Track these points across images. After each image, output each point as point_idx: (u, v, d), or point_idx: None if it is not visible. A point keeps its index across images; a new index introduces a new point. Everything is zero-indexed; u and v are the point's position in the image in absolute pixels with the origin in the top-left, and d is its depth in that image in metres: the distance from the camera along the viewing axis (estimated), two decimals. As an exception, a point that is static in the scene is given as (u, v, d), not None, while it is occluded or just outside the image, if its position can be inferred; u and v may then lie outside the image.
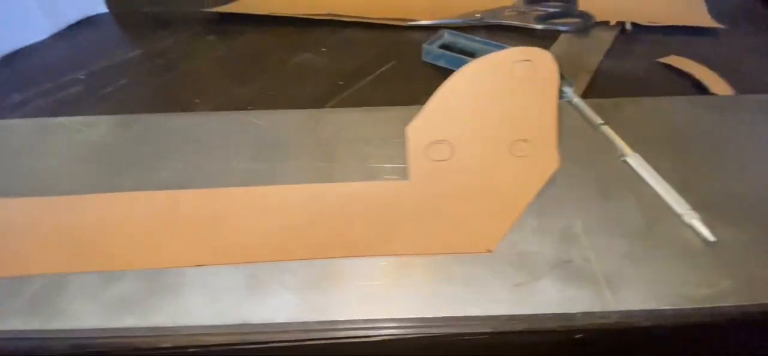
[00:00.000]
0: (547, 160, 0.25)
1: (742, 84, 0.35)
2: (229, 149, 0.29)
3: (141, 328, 0.20)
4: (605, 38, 0.39)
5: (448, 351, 0.21)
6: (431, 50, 0.37)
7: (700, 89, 0.35)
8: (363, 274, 0.22)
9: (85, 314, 0.21)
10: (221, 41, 0.42)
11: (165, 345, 0.20)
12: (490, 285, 0.21)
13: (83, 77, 0.38)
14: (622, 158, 0.27)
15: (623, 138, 0.28)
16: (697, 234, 0.23)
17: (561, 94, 0.32)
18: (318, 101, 0.34)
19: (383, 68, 0.38)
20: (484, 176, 0.25)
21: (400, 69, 0.38)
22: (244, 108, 0.33)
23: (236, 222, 0.23)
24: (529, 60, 0.24)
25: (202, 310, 0.21)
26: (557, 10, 0.43)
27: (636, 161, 0.26)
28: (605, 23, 0.41)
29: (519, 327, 0.20)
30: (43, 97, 0.35)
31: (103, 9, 0.46)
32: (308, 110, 0.32)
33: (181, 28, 0.44)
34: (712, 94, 0.34)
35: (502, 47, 0.37)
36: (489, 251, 0.22)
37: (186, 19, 0.45)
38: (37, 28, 0.42)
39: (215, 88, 0.36)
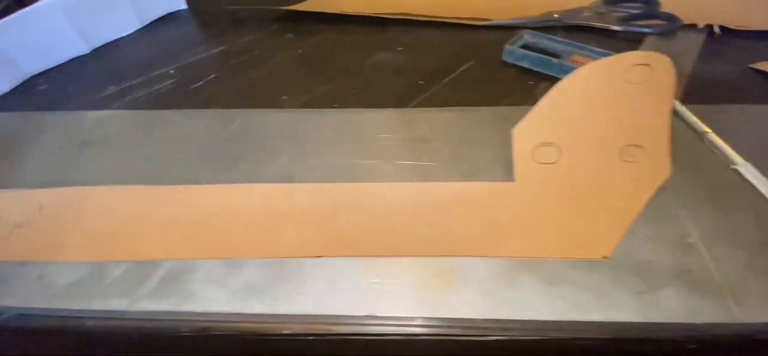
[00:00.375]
0: (659, 167, 0.24)
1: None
2: (327, 146, 0.29)
3: (269, 315, 0.21)
4: (693, 42, 0.38)
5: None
6: (513, 51, 0.37)
7: (800, 97, 0.33)
8: (477, 273, 0.22)
9: (215, 299, 0.22)
10: (299, 39, 0.43)
11: (287, 332, 0.21)
12: (610, 292, 0.21)
13: (173, 72, 0.39)
14: (731, 167, 0.26)
15: (730, 146, 0.27)
16: (824, 248, 0.22)
17: (658, 99, 0.31)
18: (400, 100, 0.35)
19: (462, 68, 0.38)
20: (593, 180, 0.24)
21: (479, 69, 0.38)
22: (330, 105, 0.34)
23: (347, 217, 0.24)
24: (647, 64, 0.23)
25: (325, 300, 0.21)
26: (638, 11, 0.41)
27: (748, 171, 0.25)
28: (692, 26, 0.40)
29: (643, 334, 0.20)
30: (137, 90, 0.37)
31: (183, 6, 0.48)
32: (400, 109, 0.33)
33: (259, 26, 0.45)
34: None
35: (585, 48, 0.37)
36: (605, 257, 0.22)
37: (262, 17, 0.46)
38: (125, 23, 0.44)
39: (300, 85, 0.37)
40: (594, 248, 0.22)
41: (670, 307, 0.20)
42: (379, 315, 0.21)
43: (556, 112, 0.24)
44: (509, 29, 0.41)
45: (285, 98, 0.35)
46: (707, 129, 0.28)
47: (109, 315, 0.22)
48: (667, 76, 0.23)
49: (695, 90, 0.33)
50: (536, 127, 0.24)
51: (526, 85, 0.35)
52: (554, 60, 0.35)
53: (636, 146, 0.24)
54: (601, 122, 0.24)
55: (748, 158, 0.26)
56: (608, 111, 0.24)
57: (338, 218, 0.24)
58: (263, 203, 0.25)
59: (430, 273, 0.22)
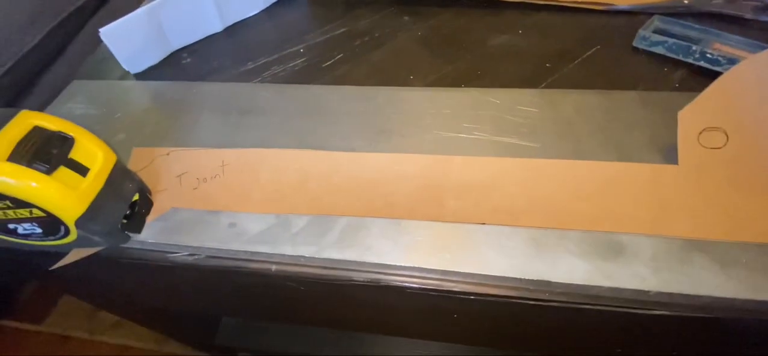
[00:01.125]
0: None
1: None
2: (472, 123, 0.31)
3: (438, 270, 0.23)
4: None
5: (747, 335, 0.21)
6: (648, 36, 0.36)
7: None
8: (645, 251, 0.23)
9: (390, 252, 0.24)
10: (416, 21, 0.44)
11: (459, 290, 0.23)
12: (792, 276, 0.21)
13: (303, 51, 0.42)
14: None
15: None
16: None
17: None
18: (528, 82, 0.35)
19: (589, 53, 0.38)
20: (761, 166, 0.24)
21: (607, 54, 0.37)
22: (458, 85, 0.36)
23: (507, 189, 0.26)
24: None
25: (499, 262, 0.23)
26: (779, -3, 0.39)
27: None
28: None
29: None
30: (274, 66, 0.41)
31: (299, -12, 0.51)
32: (535, 89, 0.33)
33: (375, 10, 0.47)
34: None
35: (724, 35, 0.35)
36: (782, 242, 0.22)
37: (377, 1, 0.48)
38: (253, 3, 0.48)
39: (425, 66, 0.38)
40: (765, 232, 0.22)
41: None
42: (552, 280, 0.22)
43: (725, 98, 0.24)
44: (634, 14, 0.40)
45: (412, 77, 0.37)
46: None
47: (296, 261, 0.25)
48: None
49: None
50: (703, 111, 0.24)
51: (662, 72, 0.35)
52: (694, 47, 0.34)
53: (813, 133, 0.24)
54: (777, 108, 0.24)
55: None
56: (785, 98, 0.24)
57: (497, 190, 0.25)
58: (424, 173, 0.27)
59: (597, 246, 0.23)
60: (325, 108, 0.34)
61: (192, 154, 0.30)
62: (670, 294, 0.21)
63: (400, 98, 0.34)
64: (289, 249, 0.25)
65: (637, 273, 0.22)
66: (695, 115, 0.25)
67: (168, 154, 0.31)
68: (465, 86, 0.35)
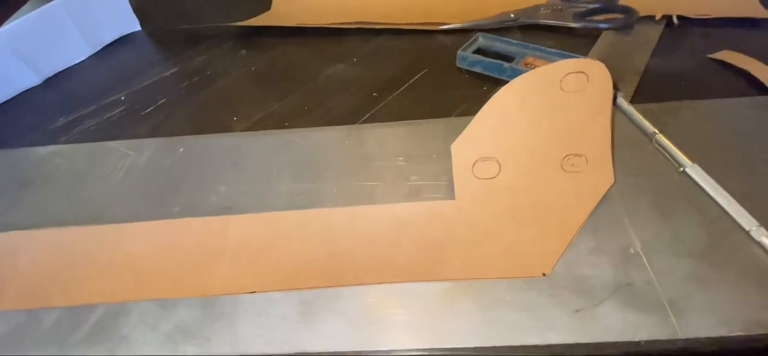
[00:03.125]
0: (602, 175, 0.24)
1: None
2: (272, 170, 0.29)
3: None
4: (651, 35, 0.37)
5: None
6: (466, 56, 0.36)
7: (758, 87, 0.32)
8: (414, 301, 0.21)
9: (147, 342, 0.21)
10: (253, 56, 0.42)
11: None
12: (547, 311, 0.20)
13: (124, 98, 0.38)
14: (680, 170, 0.25)
15: (680, 147, 0.26)
16: (767, 252, 0.21)
17: (608, 100, 0.31)
18: (353, 114, 0.34)
19: (416, 77, 0.37)
20: (534, 193, 0.24)
21: (434, 77, 0.37)
22: (282, 124, 0.34)
23: (285, 247, 0.23)
24: (582, 72, 0.22)
25: (258, 339, 0.21)
26: (597, 5, 0.41)
27: (696, 173, 0.25)
28: (650, 18, 0.39)
29: (581, 354, 0.19)
30: (88, 119, 0.37)
31: (137, 27, 0.47)
32: (347, 126, 0.32)
33: (214, 44, 0.44)
34: (772, 92, 0.31)
35: (539, 49, 0.36)
36: (544, 274, 0.21)
37: (218, 35, 0.45)
38: (76, 50, 0.43)
39: (251, 104, 0.36)
40: (533, 266, 0.21)
41: (607, 324, 0.20)
42: (310, 351, 0.20)
43: (493, 125, 0.24)
44: (466, 32, 0.40)
45: (235, 119, 0.35)
46: (656, 130, 0.27)
47: (40, 365, 0.21)
48: (604, 83, 0.23)
49: (649, 87, 0.33)
50: (474, 142, 0.24)
51: (480, 92, 0.35)
52: (506, 64, 0.34)
53: (577, 155, 0.24)
54: (540, 133, 0.24)
55: (697, 159, 0.26)
56: (546, 122, 0.23)
57: (275, 250, 0.23)
58: (198, 239, 0.24)
59: (367, 304, 0.22)
60: (120, 168, 0.30)
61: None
62: (431, 350, 0.20)
63: (206, 148, 0.31)
64: (31, 352, 0.22)
65: (402, 331, 0.21)
66: (467, 146, 0.24)
67: None
68: (288, 125, 0.33)
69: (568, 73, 0.22)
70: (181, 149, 0.31)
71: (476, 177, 0.24)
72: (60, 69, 0.43)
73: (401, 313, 0.21)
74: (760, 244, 0.22)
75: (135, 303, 0.23)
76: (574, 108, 0.23)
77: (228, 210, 0.26)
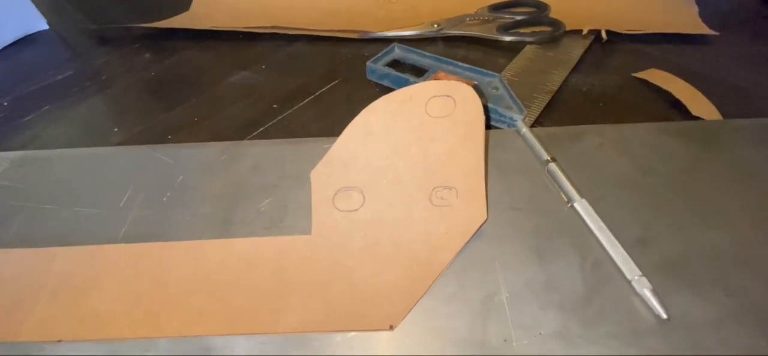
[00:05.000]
0: (474, 211, 0.21)
1: (730, 102, 0.31)
2: (125, 192, 0.25)
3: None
4: (576, 50, 0.35)
5: None
6: (376, 68, 0.33)
7: (679, 109, 0.30)
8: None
9: None
10: (156, 60, 0.39)
11: None
12: (384, 375, 0.17)
13: (7, 104, 0.35)
14: (569, 205, 0.23)
15: (577, 176, 0.24)
16: (649, 308, 0.19)
17: (509, 122, 0.28)
18: (246, 128, 0.31)
19: (325, 89, 0.34)
20: (400, 230, 0.21)
21: (344, 89, 0.34)
22: (165, 137, 0.30)
23: (106, 287, 0.20)
24: (448, 96, 0.20)
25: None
26: (525, 17, 0.38)
27: (584, 209, 0.22)
28: (578, 32, 0.37)
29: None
30: (-40, 126, 0.33)
31: (44, 26, 0.44)
32: (229, 142, 0.29)
33: (119, 46, 0.41)
34: (693, 117, 0.29)
35: (452, 63, 0.33)
36: (390, 328, 0.18)
37: (128, 37, 0.42)
38: (-30, 49, 0.40)
39: (137, 114, 0.33)
40: (381, 318, 0.19)
41: (448, 393, 0.17)
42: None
43: (356, 151, 0.21)
44: (387, 42, 0.38)
45: (116, 129, 0.32)
46: (549, 158, 0.24)
47: None
48: (473, 108, 0.20)
49: (559, 108, 0.30)
50: (336, 169, 0.21)
51: (385, 107, 0.32)
52: (414, 79, 0.31)
53: (447, 187, 0.21)
54: (408, 161, 0.21)
55: (592, 192, 0.23)
56: (413, 149, 0.21)
57: (95, 290, 0.20)
58: (18, 273, 0.21)
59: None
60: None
61: None
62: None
63: (64, 165, 0.28)
64: None
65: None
66: (328, 172, 0.21)
67: None
68: (171, 139, 0.30)
69: (432, 97, 0.20)
70: (37, 165, 0.28)
71: (337, 208, 0.21)
72: (-52, 69, 0.39)
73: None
74: (641, 297, 0.19)
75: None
76: (441, 135, 0.20)
77: (64, 239, 0.23)
